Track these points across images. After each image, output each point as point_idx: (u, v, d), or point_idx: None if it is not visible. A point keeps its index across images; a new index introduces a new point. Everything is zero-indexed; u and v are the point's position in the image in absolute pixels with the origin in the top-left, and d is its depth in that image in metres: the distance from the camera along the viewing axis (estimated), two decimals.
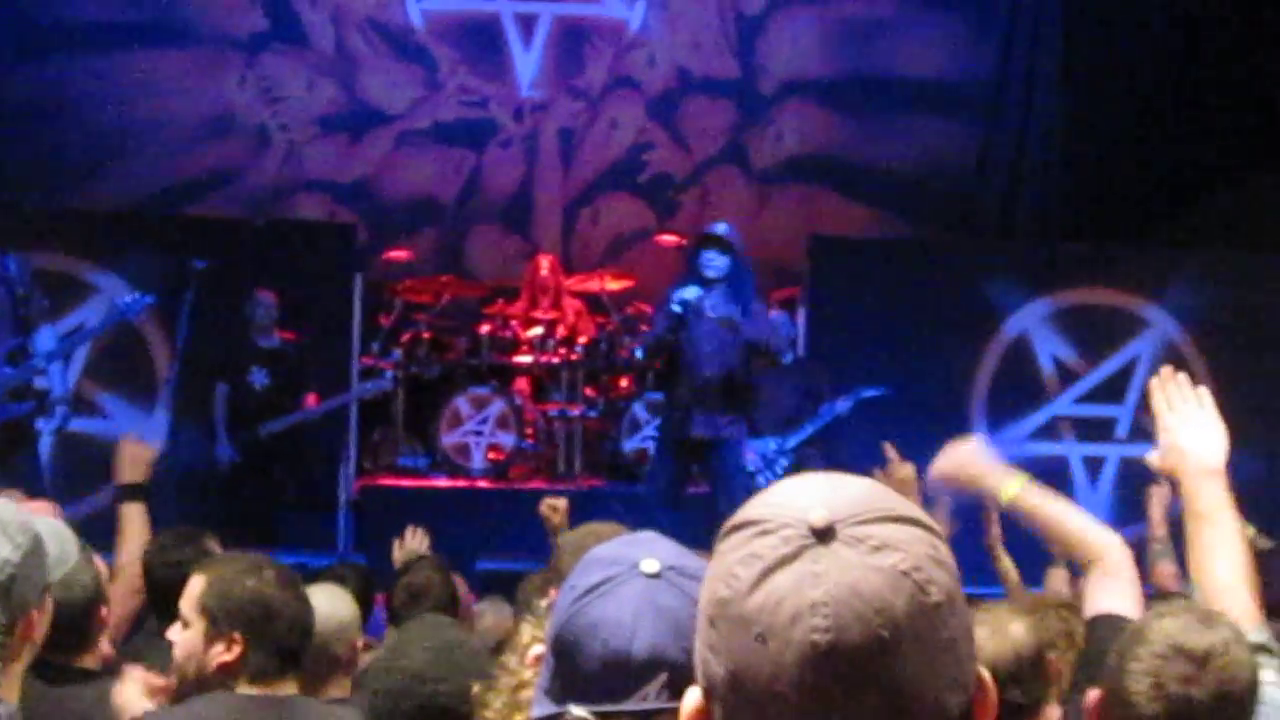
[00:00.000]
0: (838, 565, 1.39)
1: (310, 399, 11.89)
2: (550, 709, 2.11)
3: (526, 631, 2.32)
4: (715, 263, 10.44)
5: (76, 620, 4.65)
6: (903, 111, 15.71)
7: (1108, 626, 3.70)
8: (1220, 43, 14.59)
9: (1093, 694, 3.20)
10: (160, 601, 5.48)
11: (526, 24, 15.55)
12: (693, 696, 1.48)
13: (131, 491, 6.19)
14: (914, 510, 1.46)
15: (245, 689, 4.05)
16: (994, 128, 15.74)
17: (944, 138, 15.72)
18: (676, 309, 10.37)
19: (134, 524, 5.81)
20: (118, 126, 14.89)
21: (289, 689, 4.02)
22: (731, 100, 15.85)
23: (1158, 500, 7.35)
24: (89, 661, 4.73)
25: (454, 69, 15.52)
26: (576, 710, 2.07)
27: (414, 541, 7.32)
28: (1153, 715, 3.08)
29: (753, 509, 1.47)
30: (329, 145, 15.41)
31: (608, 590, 2.11)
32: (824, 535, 1.41)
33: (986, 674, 1.47)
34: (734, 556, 1.44)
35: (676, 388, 10.71)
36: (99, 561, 4.96)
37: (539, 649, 2.22)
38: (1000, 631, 3.81)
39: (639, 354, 12.09)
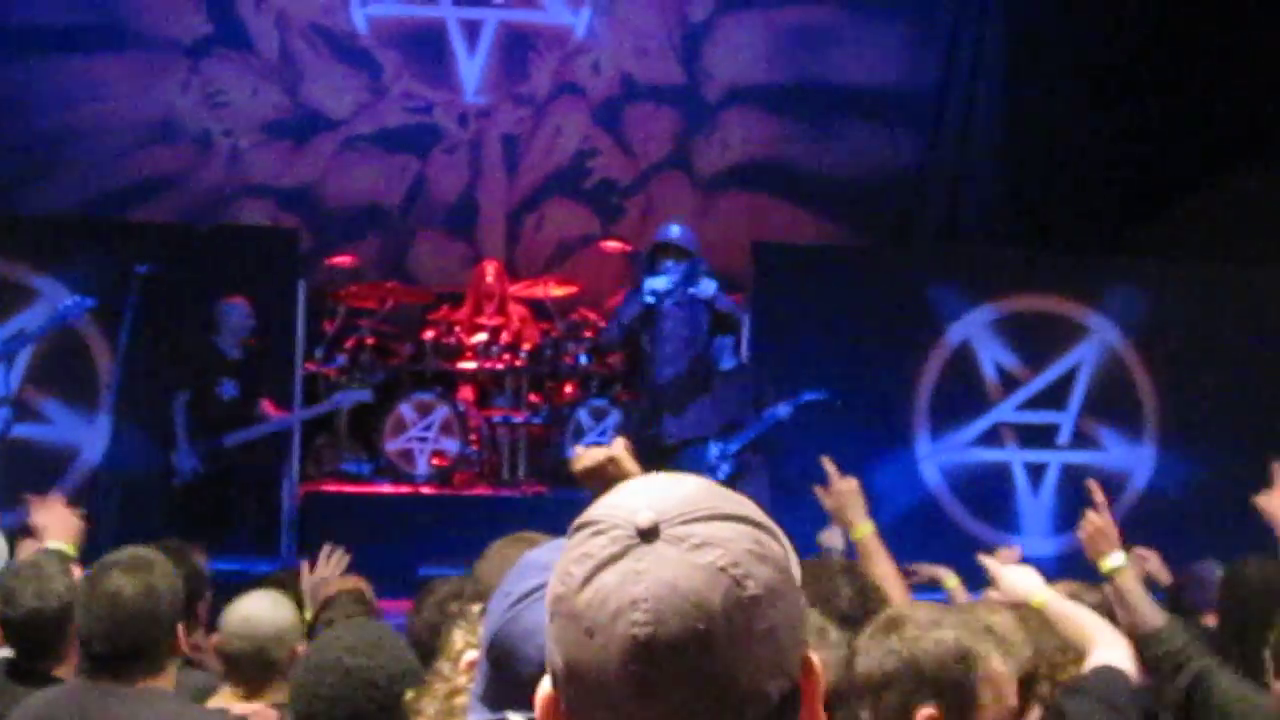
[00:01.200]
0: (658, 563, 1.49)
1: (265, 405, 11.84)
2: (486, 716, 2.11)
3: (459, 638, 2.32)
4: (674, 269, 10.47)
5: (49, 630, 4.67)
6: (846, 119, 15.77)
7: None
8: (1163, 52, 14.68)
9: None
10: None
11: (471, 30, 15.52)
12: (545, 685, 1.59)
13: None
14: (743, 507, 1.55)
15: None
16: (937, 136, 15.80)
17: (887, 145, 15.78)
18: (650, 299, 10.36)
19: None
20: (59, 130, 14.78)
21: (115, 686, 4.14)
22: (676, 107, 15.86)
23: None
24: (61, 671, 4.73)
25: (398, 74, 15.49)
26: (514, 718, 2.07)
27: (327, 568, 5.99)
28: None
29: (593, 510, 1.57)
30: (273, 150, 15.34)
31: (543, 595, 2.11)
32: (648, 535, 1.50)
33: (815, 658, 1.55)
34: (571, 555, 1.55)
35: (640, 390, 10.73)
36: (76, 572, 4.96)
37: (473, 654, 2.22)
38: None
39: (603, 337, 11.89)
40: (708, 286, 10.65)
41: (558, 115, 15.74)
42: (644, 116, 15.81)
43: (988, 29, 15.69)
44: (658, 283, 10.43)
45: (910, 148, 15.82)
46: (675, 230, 10.83)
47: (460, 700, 2.25)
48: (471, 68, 15.55)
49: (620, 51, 15.74)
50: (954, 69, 15.73)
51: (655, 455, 10.67)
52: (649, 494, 1.55)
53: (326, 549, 6.07)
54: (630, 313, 10.68)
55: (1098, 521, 5.16)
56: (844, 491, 5.47)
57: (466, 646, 2.27)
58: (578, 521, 1.57)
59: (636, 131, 15.80)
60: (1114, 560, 5.04)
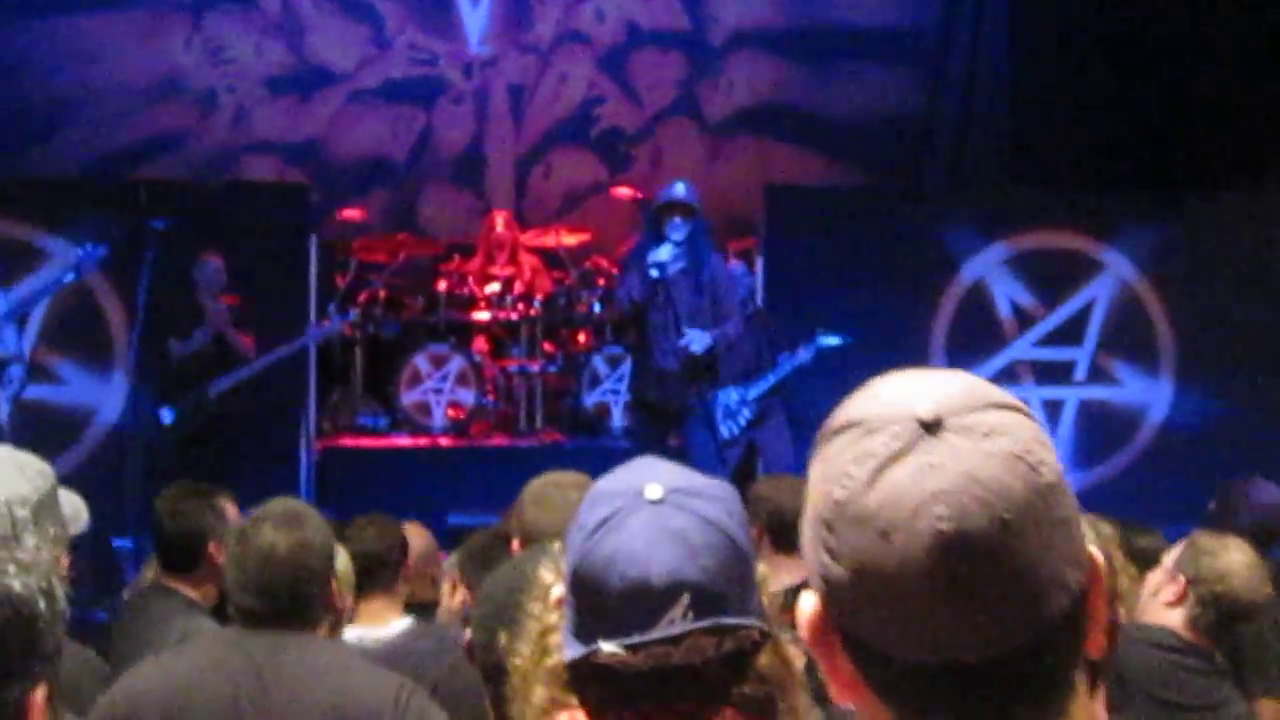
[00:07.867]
0: (952, 454, 1.41)
1: (245, 341, 11.61)
2: (580, 650, 2.10)
3: (547, 575, 2.30)
4: (680, 227, 10.34)
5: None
6: (852, 61, 15.71)
7: None
8: None
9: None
10: (166, 552, 5.59)
11: None
12: (809, 602, 1.49)
13: None
14: (1011, 397, 1.50)
15: None
16: (942, 76, 15.74)
17: (893, 86, 15.72)
18: (654, 274, 10.25)
19: None
20: (63, 92, 14.73)
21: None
22: (682, 52, 15.80)
23: None
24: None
25: (402, 27, 15.43)
26: (607, 647, 2.06)
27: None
28: None
29: (853, 410, 1.49)
30: (278, 106, 15.29)
31: (616, 523, 2.11)
32: (933, 427, 1.43)
33: (1097, 552, 1.48)
34: (845, 457, 1.45)
35: (650, 352, 10.63)
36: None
37: (560, 590, 2.22)
38: None
39: (615, 309, 11.64)
40: (711, 264, 10.51)
41: (563, 64, 15.69)
42: (649, 63, 15.76)
43: None
44: (661, 253, 10.27)
45: (916, 88, 15.76)
46: (680, 189, 10.64)
47: (553, 638, 2.24)
48: (475, 18, 15.49)
49: None
50: (957, 7, 15.65)
51: (659, 415, 10.64)
52: (920, 387, 1.48)
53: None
54: (636, 287, 10.54)
55: None
56: None
57: (555, 581, 2.26)
58: (835, 424, 1.49)
59: (642, 78, 15.75)
60: None
